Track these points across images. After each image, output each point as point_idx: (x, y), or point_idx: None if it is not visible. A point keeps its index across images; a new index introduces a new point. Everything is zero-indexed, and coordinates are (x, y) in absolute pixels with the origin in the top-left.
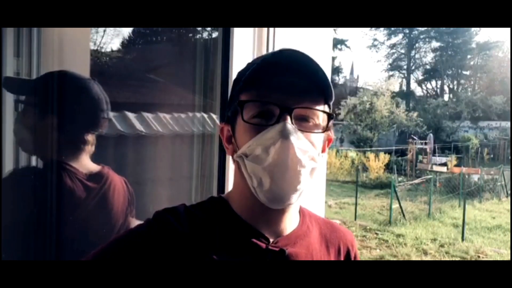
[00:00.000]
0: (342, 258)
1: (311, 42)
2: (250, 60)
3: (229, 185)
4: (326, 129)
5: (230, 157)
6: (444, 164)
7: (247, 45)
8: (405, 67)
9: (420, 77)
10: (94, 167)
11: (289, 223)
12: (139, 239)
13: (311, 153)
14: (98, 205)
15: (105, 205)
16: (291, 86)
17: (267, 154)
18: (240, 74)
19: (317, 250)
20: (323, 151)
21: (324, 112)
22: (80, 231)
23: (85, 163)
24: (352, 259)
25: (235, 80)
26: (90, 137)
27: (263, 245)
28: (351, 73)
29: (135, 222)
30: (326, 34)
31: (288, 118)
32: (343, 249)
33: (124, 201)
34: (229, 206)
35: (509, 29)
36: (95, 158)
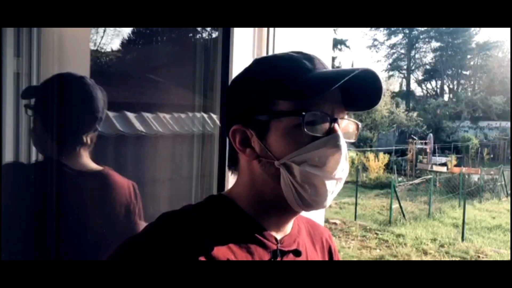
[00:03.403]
0: (326, 253)
1: (311, 42)
2: (250, 60)
3: (229, 185)
4: (356, 137)
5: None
6: (444, 164)
7: (247, 45)
8: (405, 67)
9: (420, 77)
10: (94, 167)
11: (291, 222)
12: (153, 245)
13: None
14: (97, 206)
15: (105, 206)
16: (335, 97)
17: (324, 164)
18: (274, 77)
19: (307, 247)
20: None
21: (354, 121)
22: (77, 231)
23: (85, 163)
24: (333, 252)
25: (263, 82)
26: (88, 136)
27: (274, 246)
28: None
29: (143, 224)
30: (326, 34)
31: (338, 128)
32: (326, 245)
33: (127, 204)
34: (237, 205)
35: (509, 29)
36: (94, 159)
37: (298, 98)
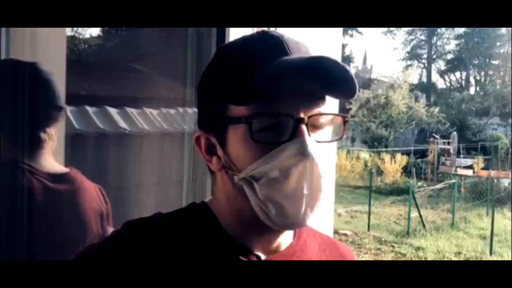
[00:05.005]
0: None
1: (319, 28)
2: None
3: None
4: (343, 135)
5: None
6: (470, 167)
7: None
8: (425, 55)
9: (443, 67)
10: (58, 168)
11: (284, 239)
12: (107, 255)
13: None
14: (61, 210)
15: (71, 211)
16: (300, 90)
17: (286, 177)
18: (225, 76)
19: None
20: None
21: (339, 115)
22: (38, 236)
23: (47, 163)
24: None
25: (216, 79)
26: (46, 133)
27: None
28: (364, 62)
29: (111, 230)
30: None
31: (305, 130)
32: None
33: (97, 209)
34: (216, 218)
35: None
36: (71, 160)
37: (244, 103)
